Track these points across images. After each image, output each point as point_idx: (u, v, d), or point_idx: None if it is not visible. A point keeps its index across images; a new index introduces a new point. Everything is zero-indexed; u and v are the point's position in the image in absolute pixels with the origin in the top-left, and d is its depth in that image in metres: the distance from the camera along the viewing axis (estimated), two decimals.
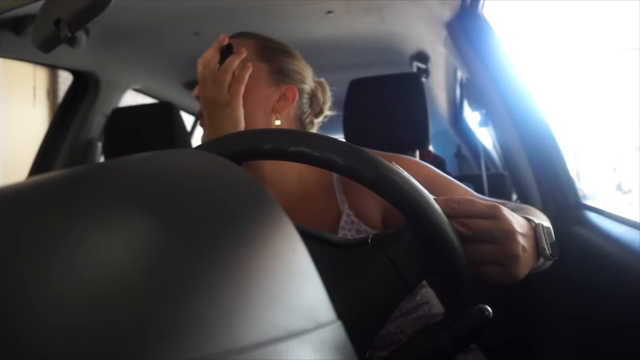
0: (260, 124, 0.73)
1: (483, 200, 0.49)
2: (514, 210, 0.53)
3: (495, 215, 0.44)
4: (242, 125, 0.69)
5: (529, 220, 0.49)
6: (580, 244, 0.72)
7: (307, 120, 0.80)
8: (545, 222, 0.52)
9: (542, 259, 0.49)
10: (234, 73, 0.69)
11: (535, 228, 0.49)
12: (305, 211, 0.72)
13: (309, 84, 0.79)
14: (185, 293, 0.18)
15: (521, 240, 0.44)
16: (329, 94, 0.83)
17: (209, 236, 0.21)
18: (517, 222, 0.46)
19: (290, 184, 0.74)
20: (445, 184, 0.70)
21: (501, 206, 0.45)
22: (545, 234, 0.49)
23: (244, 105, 0.70)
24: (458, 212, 0.43)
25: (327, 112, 0.84)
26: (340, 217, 0.70)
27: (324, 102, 0.82)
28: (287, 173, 0.74)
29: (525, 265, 0.46)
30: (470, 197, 0.46)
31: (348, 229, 0.69)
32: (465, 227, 0.43)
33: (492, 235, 0.43)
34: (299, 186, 0.74)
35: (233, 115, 0.68)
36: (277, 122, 0.73)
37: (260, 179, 0.73)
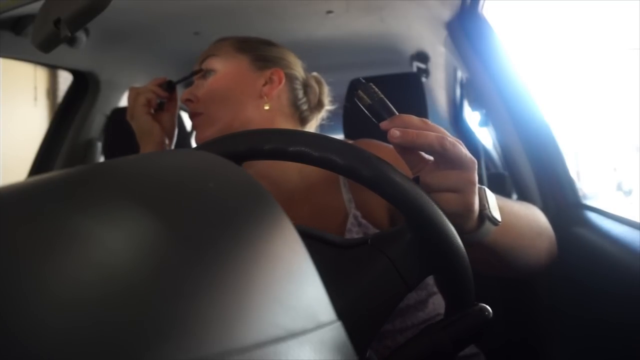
0: (251, 111, 0.74)
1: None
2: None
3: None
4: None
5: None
6: (580, 244, 0.72)
7: (305, 109, 0.79)
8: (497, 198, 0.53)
9: (486, 222, 0.49)
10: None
11: (479, 189, 0.50)
12: (309, 210, 0.71)
13: (297, 70, 0.79)
14: (186, 293, 0.18)
15: (475, 177, 0.46)
16: (325, 86, 0.83)
17: (209, 236, 0.21)
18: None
19: (291, 178, 0.72)
20: None
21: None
22: (488, 195, 0.50)
23: (233, 98, 0.73)
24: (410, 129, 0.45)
25: (329, 107, 0.83)
26: (347, 218, 0.68)
27: (321, 93, 0.81)
28: (288, 167, 0.72)
29: (476, 202, 0.47)
30: (427, 122, 0.48)
31: (355, 232, 0.67)
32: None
33: (458, 162, 0.45)
34: (301, 181, 0.72)
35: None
36: (266, 107, 0.74)
37: (260, 174, 0.72)
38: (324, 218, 0.70)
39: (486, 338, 0.43)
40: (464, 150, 0.45)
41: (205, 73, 0.76)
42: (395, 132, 0.43)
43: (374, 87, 0.47)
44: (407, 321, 0.67)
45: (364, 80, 0.48)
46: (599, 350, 0.69)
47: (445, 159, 0.44)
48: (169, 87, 0.84)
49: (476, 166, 0.46)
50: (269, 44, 0.79)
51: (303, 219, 0.70)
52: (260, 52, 0.77)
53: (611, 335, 0.66)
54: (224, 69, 0.75)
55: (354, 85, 0.52)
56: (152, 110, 0.81)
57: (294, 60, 0.80)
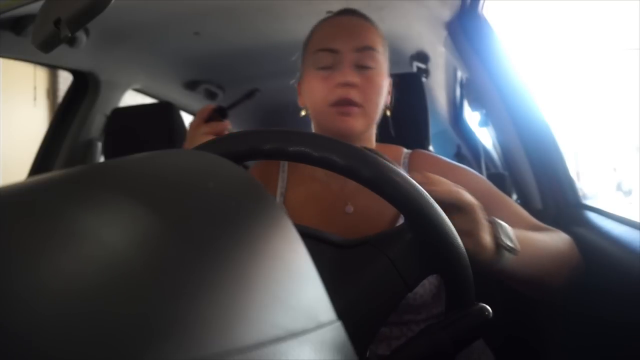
0: (379, 115, 0.75)
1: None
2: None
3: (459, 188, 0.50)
4: None
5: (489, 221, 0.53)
6: (580, 244, 0.72)
7: None
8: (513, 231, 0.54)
9: (504, 252, 0.51)
10: None
11: (491, 221, 0.52)
12: (370, 195, 0.71)
13: None
14: (186, 293, 0.18)
15: (484, 217, 0.50)
16: None
17: (209, 236, 0.21)
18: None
19: None
20: (500, 199, 0.71)
21: (462, 188, 0.50)
22: (501, 228, 0.52)
23: (381, 99, 0.73)
24: (429, 180, 0.48)
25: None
26: None
27: None
28: None
29: (489, 243, 0.50)
30: (440, 177, 0.50)
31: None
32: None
33: (458, 206, 0.48)
34: None
35: None
36: (388, 113, 0.77)
37: None
38: (382, 205, 0.70)
39: (486, 337, 0.43)
40: (463, 196, 0.48)
41: (365, 65, 0.72)
42: (416, 176, 0.44)
43: (384, 156, 0.49)
44: (432, 310, 0.69)
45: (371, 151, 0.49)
46: (599, 350, 0.69)
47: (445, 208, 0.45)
48: (222, 113, 0.78)
49: (476, 208, 0.49)
50: (386, 45, 0.78)
51: (362, 205, 0.72)
52: (387, 55, 0.77)
53: (611, 335, 0.66)
54: (380, 67, 0.73)
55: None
56: None
57: None
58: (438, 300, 0.69)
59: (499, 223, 0.52)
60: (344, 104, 0.69)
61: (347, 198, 0.73)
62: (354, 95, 0.69)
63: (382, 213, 0.70)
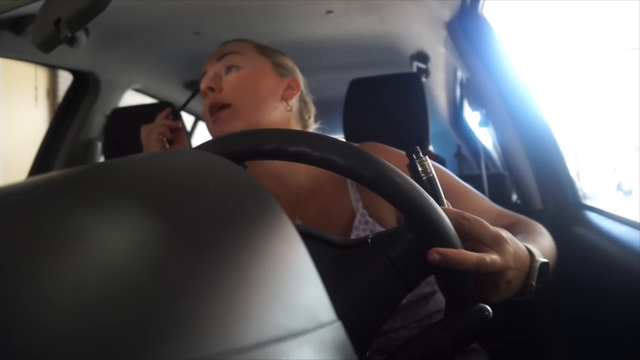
0: (274, 111, 0.76)
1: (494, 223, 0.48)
2: (526, 233, 0.57)
3: (498, 247, 0.45)
4: None
5: (531, 254, 0.49)
6: (580, 244, 0.72)
7: (307, 118, 0.83)
8: (544, 258, 0.51)
9: (532, 292, 0.49)
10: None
11: (532, 264, 0.49)
12: (318, 208, 0.73)
13: (302, 83, 0.83)
14: (186, 293, 0.18)
15: (510, 275, 0.46)
16: (313, 108, 0.87)
17: (209, 236, 0.21)
18: (514, 257, 0.46)
19: (299, 178, 0.75)
20: (464, 192, 0.71)
21: (506, 238, 0.46)
22: (537, 272, 0.49)
23: (261, 95, 0.75)
24: (465, 229, 0.44)
25: (313, 125, 0.86)
26: (354, 216, 0.70)
27: (309, 111, 0.85)
28: (297, 167, 0.74)
29: (502, 294, 0.47)
30: (481, 220, 0.46)
31: (362, 229, 0.69)
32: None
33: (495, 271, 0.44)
34: (309, 181, 0.75)
35: None
36: (289, 110, 0.79)
37: (269, 173, 0.76)
38: (332, 216, 0.72)
39: (486, 338, 0.43)
40: (501, 260, 0.44)
41: (228, 68, 0.77)
42: (434, 257, 0.39)
43: (429, 163, 0.47)
44: (409, 318, 0.68)
45: (420, 152, 0.47)
46: (599, 350, 0.69)
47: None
48: (175, 115, 0.89)
49: (506, 271, 0.45)
50: (283, 54, 0.83)
51: (311, 218, 0.73)
52: (279, 60, 0.81)
53: (611, 335, 0.66)
54: (250, 66, 0.77)
55: (411, 152, 0.48)
56: (167, 145, 0.87)
57: (299, 73, 0.85)
58: (414, 306, 0.68)
59: (538, 267, 0.49)
60: (213, 112, 0.75)
61: (297, 211, 0.74)
62: (216, 97, 0.74)
63: (330, 224, 0.71)
